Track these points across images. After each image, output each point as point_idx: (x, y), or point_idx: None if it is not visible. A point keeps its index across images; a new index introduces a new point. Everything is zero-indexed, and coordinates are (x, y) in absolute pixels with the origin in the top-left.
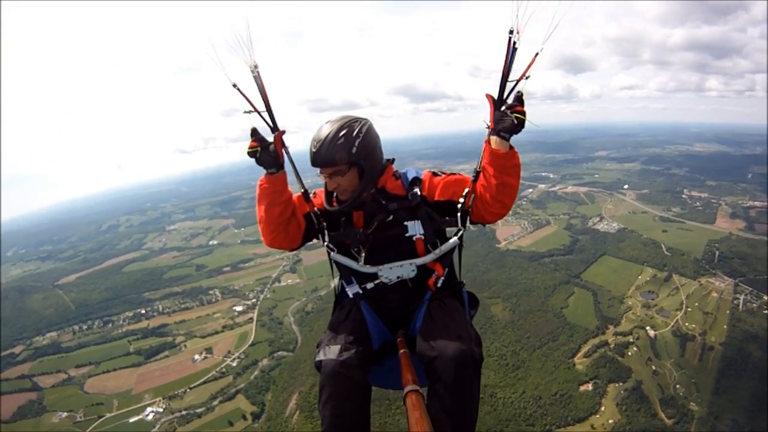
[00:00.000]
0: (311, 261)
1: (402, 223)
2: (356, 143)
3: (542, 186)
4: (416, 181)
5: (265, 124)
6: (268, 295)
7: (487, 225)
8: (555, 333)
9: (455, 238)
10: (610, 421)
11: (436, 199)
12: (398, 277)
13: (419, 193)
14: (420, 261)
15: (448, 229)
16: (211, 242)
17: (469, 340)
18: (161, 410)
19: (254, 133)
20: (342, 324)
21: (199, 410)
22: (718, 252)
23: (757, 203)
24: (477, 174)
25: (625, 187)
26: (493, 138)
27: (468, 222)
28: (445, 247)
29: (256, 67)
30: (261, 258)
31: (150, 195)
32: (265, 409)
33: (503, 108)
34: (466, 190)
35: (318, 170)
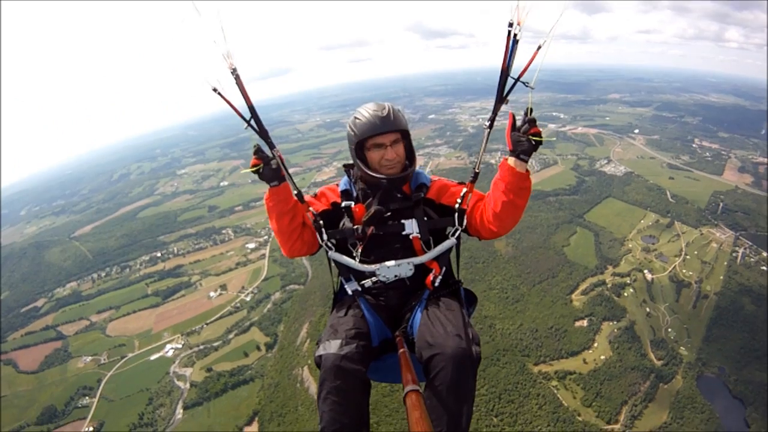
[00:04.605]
0: None
1: (400, 220)
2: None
3: (552, 126)
4: (422, 187)
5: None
6: None
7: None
8: (555, 270)
9: (452, 238)
10: (602, 357)
11: (442, 201)
12: (396, 276)
13: (423, 195)
14: (417, 260)
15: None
16: (222, 183)
17: (468, 339)
18: (180, 346)
19: (258, 151)
20: (342, 320)
21: (215, 344)
22: (722, 204)
23: (767, 159)
24: (476, 175)
25: (636, 131)
26: (512, 158)
27: (464, 225)
28: (441, 247)
29: (234, 70)
30: None
31: (158, 141)
32: (278, 340)
33: (520, 128)
34: (464, 190)
35: (371, 139)
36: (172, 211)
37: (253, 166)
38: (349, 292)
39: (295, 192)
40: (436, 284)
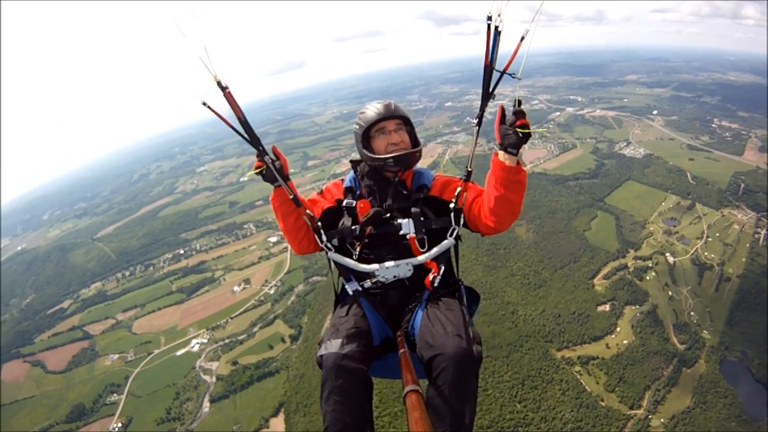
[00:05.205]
0: None
1: (398, 221)
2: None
3: (570, 109)
4: (423, 187)
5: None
6: None
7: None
8: (576, 254)
9: (450, 239)
10: (625, 342)
11: (445, 197)
12: (395, 277)
13: (422, 196)
14: (415, 261)
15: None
16: (242, 179)
17: (469, 338)
18: (206, 341)
19: (260, 154)
20: (343, 319)
21: (240, 337)
22: (743, 184)
23: None
24: (468, 174)
25: (654, 112)
26: (501, 152)
27: (461, 224)
28: (439, 248)
29: (220, 82)
30: None
31: (177, 140)
32: (302, 331)
33: (507, 121)
34: (458, 189)
35: (376, 126)
36: (193, 209)
37: (256, 168)
38: (350, 292)
39: (291, 196)
40: (436, 284)
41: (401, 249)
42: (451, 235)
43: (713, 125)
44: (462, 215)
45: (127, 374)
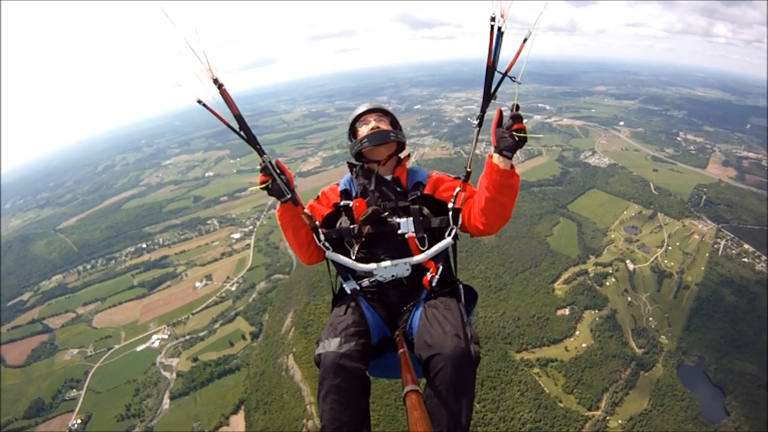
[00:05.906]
0: (307, 187)
1: (396, 220)
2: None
3: (537, 117)
4: (419, 185)
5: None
6: (264, 222)
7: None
8: (538, 259)
9: (449, 238)
10: (583, 345)
11: (437, 196)
12: (393, 276)
13: (419, 194)
14: (413, 260)
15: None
16: (207, 174)
17: (467, 338)
18: (166, 337)
19: (264, 169)
20: (341, 318)
21: (201, 334)
22: (705, 196)
23: (751, 154)
24: (467, 174)
25: (621, 123)
26: (495, 155)
27: (459, 224)
28: (437, 247)
29: (217, 80)
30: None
31: (143, 132)
32: (263, 329)
33: (504, 125)
34: (457, 189)
35: (359, 120)
36: (158, 202)
37: (262, 182)
38: (348, 292)
39: (289, 195)
40: (434, 284)
41: (399, 248)
42: (449, 235)
43: (678, 138)
44: (459, 215)
45: (86, 369)
